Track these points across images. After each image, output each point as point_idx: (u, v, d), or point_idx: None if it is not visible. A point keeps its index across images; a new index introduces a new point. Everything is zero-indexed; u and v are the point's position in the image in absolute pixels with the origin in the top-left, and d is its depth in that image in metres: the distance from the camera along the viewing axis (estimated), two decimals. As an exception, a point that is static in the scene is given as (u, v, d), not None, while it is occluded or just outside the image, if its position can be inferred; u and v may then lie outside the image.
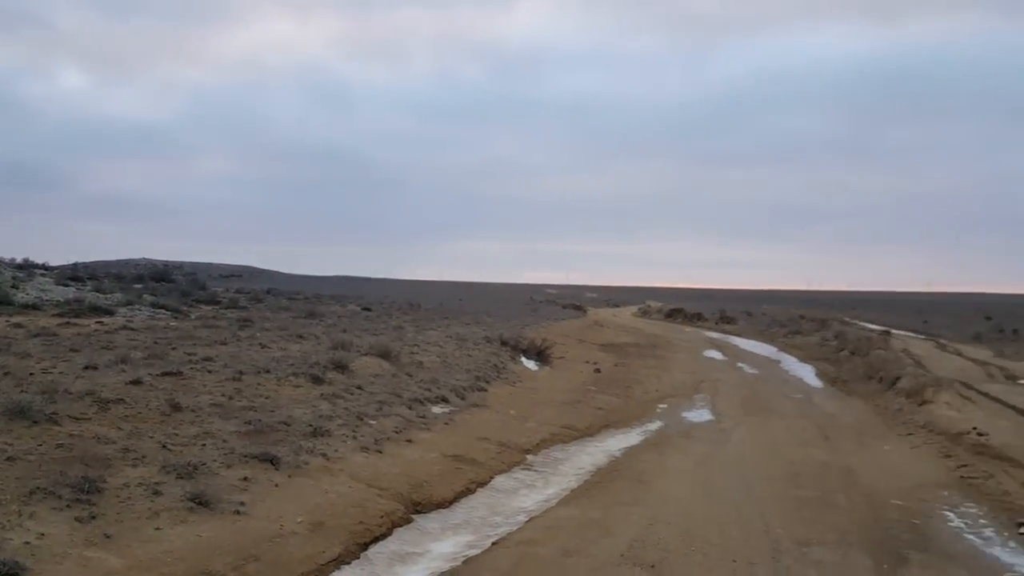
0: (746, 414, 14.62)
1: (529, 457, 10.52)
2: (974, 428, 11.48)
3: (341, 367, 13.41)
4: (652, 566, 6.30)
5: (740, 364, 25.08)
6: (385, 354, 14.95)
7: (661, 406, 15.62)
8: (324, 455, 8.76)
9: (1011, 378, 19.21)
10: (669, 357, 26.54)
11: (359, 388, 12.30)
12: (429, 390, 12.98)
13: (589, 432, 12.59)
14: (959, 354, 26.65)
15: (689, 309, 58.91)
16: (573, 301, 73.09)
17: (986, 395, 15.49)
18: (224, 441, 8.44)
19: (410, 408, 11.57)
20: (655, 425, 13.46)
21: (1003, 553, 6.94)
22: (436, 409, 11.99)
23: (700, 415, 14.68)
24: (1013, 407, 14.04)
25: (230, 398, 10.38)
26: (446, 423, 11.24)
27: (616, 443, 11.85)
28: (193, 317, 22.72)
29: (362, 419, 10.58)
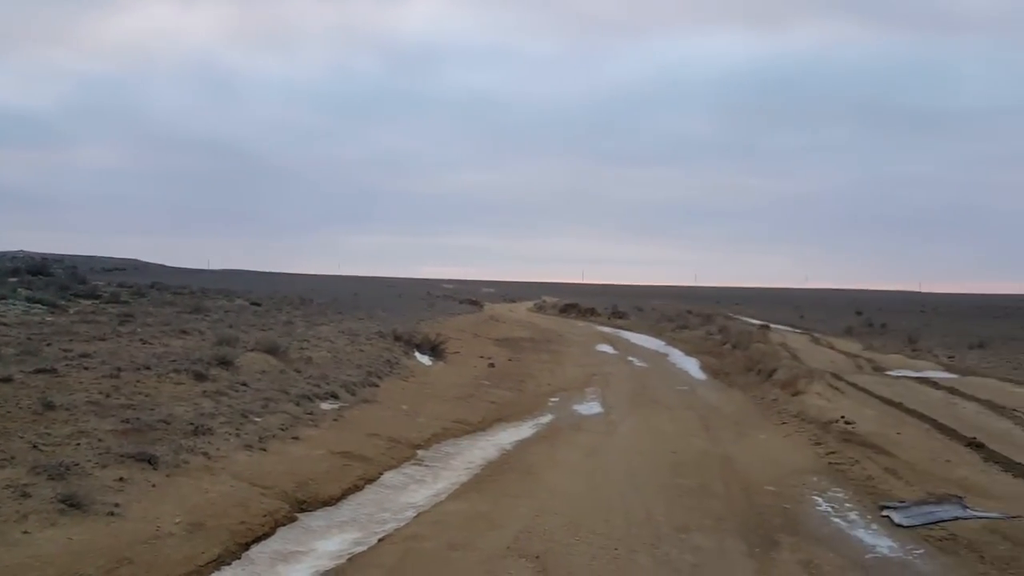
0: (634, 406, 15.02)
1: (420, 452, 10.47)
2: (842, 417, 12.16)
3: (226, 363, 12.99)
4: (537, 557, 6.39)
5: (630, 358, 25.73)
6: (273, 350, 14.56)
7: (553, 400, 15.85)
8: (205, 454, 8.48)
9: (878, 369, 20.46)
10: (562, 351, 26.96)
11: (244, 385, 11.94)
12: (318, 386, 12.74)
13: (481, 426, 12.65)
14: (831, 347, 28.20)
15: (583, 304, 60.00)
16: (470, 296, 73.19)
17: (854, 386, 16.44)
18: (99, 440, 8.07)
19: (298, 405, 11.32)
20: (547, 418, 13.65)
21: (866, 535, 7.38)
22: (325, 405, 11.77)
23: (590, 408, 14.98)
24: (878, 397, 14.96)
25: (107, 396, 9.92)
26: (335, 419, 11.06)
27: (508, 437, 11.95)
28: (71, 312, 21.58)
29: (246, 417, 10.29)
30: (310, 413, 11.09)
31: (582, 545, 6.72)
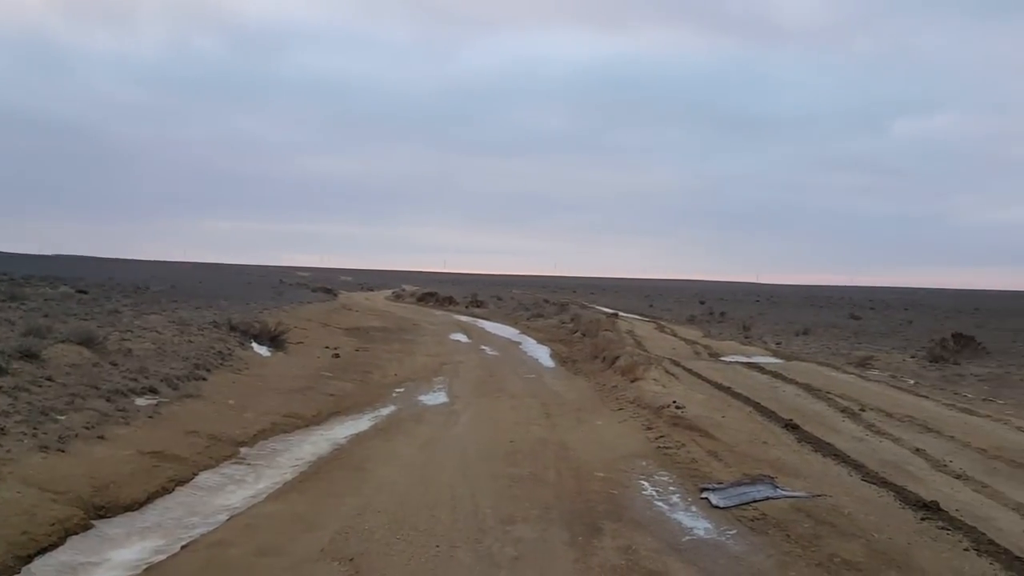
0: (479, 395, 14.92)
1: (243, 450, 9.87)
2: (673, 402, 12.52)
3: (31, 356, 11.82)
4: (351, 559, 6.08)
5: (483, 346, 25.71)
6: (88, 341, 13.40)
7: (398, 390, 15.50)
8: (-10, 457, 7.61)
9: (713, 355, 21.40)
10: (415, 340, 26.60)
11: (49, 380, 10.89)
12: (136, 380, 11.81)
13: (316, 420, 12.14)
14: (674, 334, 29.36)
15: (442, 293, 59.76)
16: (324, 284, 71.31)
17: (690, 371, 17.09)
18: None
19: (108, 401, 10.42)
20: (388, 410, 13.30)
21: (685, 517, 7.53)
22: (141, 401, 10.91)
23: (436, 398, 14.75)
24: (710, 381, 15.60)
25: None
26: (150, 416, 10.25)
27: (343, 431, 11.51)
28: None
29: (47, 415, 9.36)
30: (122, 410, 10.23)
31: (402, 544, 6.46)
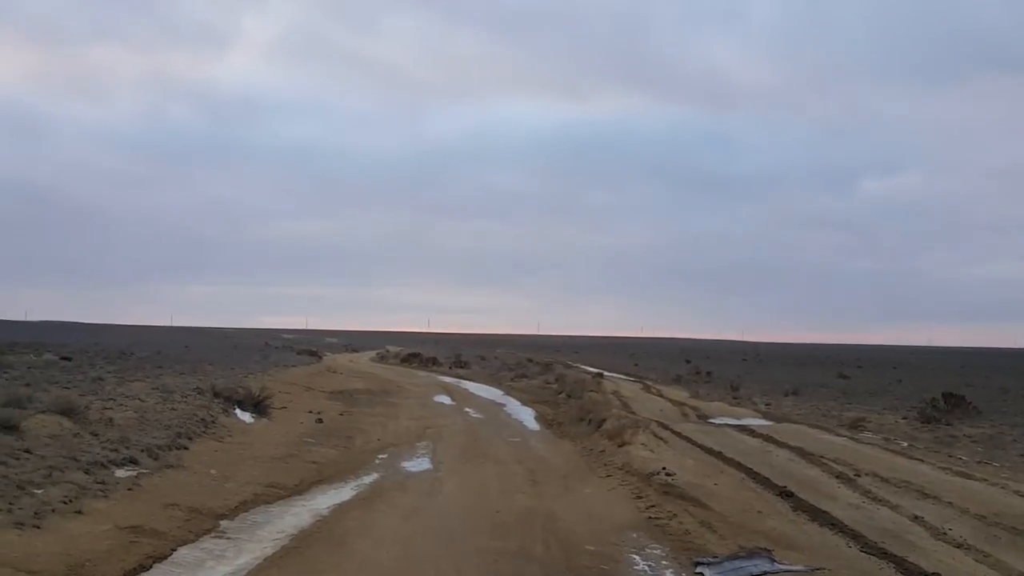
0: (464, 461, 14.70)
1: (224, 523, 9.61)
2: (663, 468, 12.37)
3: (9, 428, 11.61)
4: (334, 642, 5.87)
5: (467, 409, 25.47)
6: (68, 410, 13.17)
7: (382, 456, 15.26)
8: (-38, 535, 7.37)
9: (702, 417, 21.29)
10: (399, 403, 26.32)
11: (27, 452, 10.64)
12: (116, 451, 11.56)
13: (299, 490, 11.88)
14: (661, 395, 29.23)
15: (426, 354, 59.44)
16: (309, 347, 70.81)
17: (679, 435, 16.95)
18: None
19: (87, 473, 10.18)
20: (371, 478, 13.06)
21: (677, 591, 7.36)
22: (120, 473, 10.66)
23: (419, 464, 14.52)
24: (700, 446, 15.46)
25: None
26: (129, 488, 10.00)
27: (326, 500, 11.27)
28: None
29: (24, 489, 9.12)
30: (101, 482, 9.98)
31: (387, 624, 6.26)
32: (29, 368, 24.09)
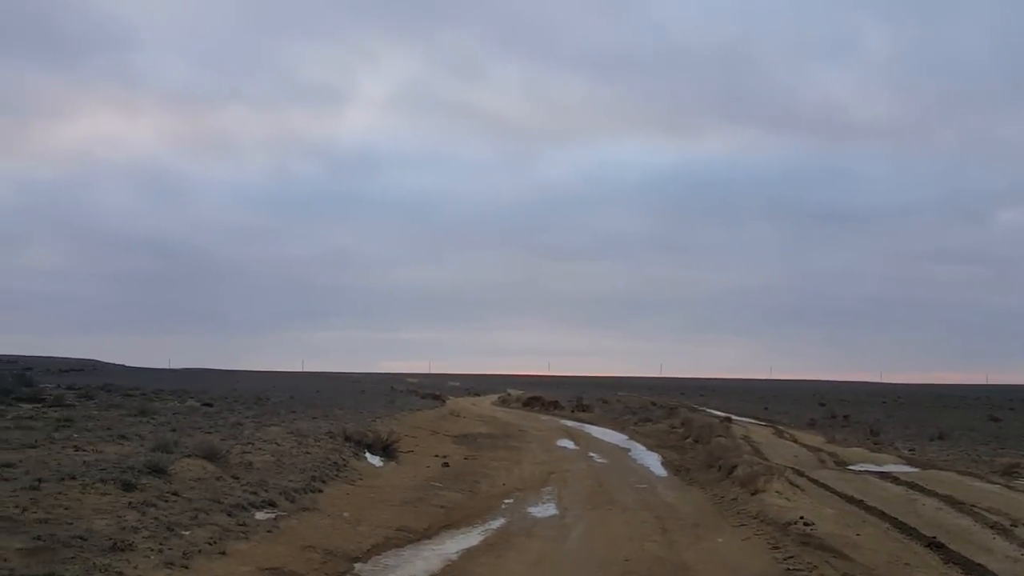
0: (590, 507, 14.49)
1: (358, 566, 9.83)
2: (801, 518, 11.77)
3: (158, 471, 12.32)
4: None
5: (591, 454, 25.18)
6: (211, 455, 13.89)
7: (507, 501, 15.27)
8: (120, 573, 7.84)
9: (840, 464, 20.17)
10: (522, 448, 26.34)
11: (175, 494, 11.27)
12: (255, 493, 12.09)
13: (428, 534, 12.03)
14: (794, 440, 27.92)
15: (547, 397, 59.38)
16: (433, 390, 72.19)
17: (816, 482, 16.10)
18: (4, 561, 7.43)
19: (230, 515, 10.67)
20: (498, 523, 13.07)
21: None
22: (260, 515, 11.12)
23: (545, 510, 14.43)
24: (840, 494, 14.63)
25: (24, 510, 9.28)
26: (269, 531, 10.41)
27: (454, 545, 11.35)
28: (8, 417, 20.57)
29: (172, 530, 9.64)
30: (242, 524, 10.44)
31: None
32: (174, 414, 25.62)
